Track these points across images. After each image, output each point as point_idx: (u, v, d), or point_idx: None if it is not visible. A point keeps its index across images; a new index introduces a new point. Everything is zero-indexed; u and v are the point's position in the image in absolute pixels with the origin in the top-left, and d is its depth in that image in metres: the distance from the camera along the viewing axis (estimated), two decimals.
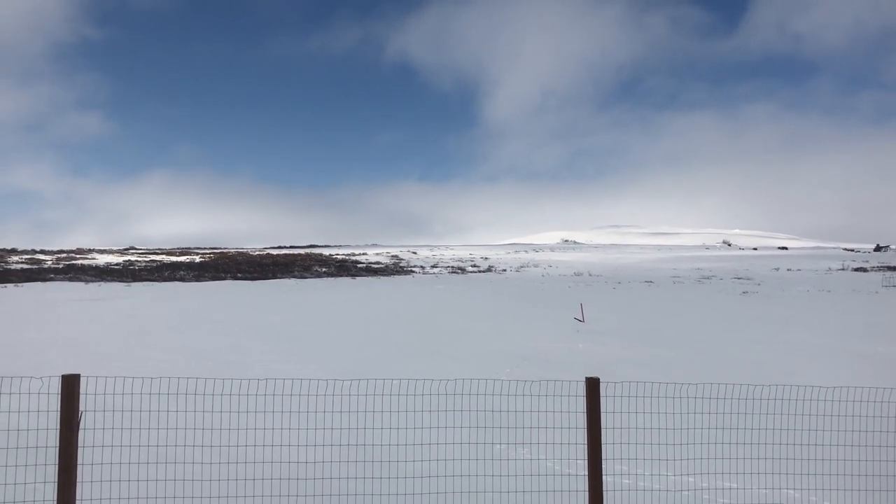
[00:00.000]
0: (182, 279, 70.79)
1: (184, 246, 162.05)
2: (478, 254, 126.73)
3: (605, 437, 6.46)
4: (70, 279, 65.45)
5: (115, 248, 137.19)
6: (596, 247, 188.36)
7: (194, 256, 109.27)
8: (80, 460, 5.94)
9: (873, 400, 8.19)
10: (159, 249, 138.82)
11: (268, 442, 6.58)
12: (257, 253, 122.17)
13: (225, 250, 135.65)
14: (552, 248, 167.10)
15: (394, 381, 8.13)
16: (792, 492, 7.06)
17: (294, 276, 76.31)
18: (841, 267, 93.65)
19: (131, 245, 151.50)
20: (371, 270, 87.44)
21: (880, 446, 7.19)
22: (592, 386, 4.77)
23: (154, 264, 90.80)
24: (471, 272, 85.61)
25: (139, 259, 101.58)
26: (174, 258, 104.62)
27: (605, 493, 4.90)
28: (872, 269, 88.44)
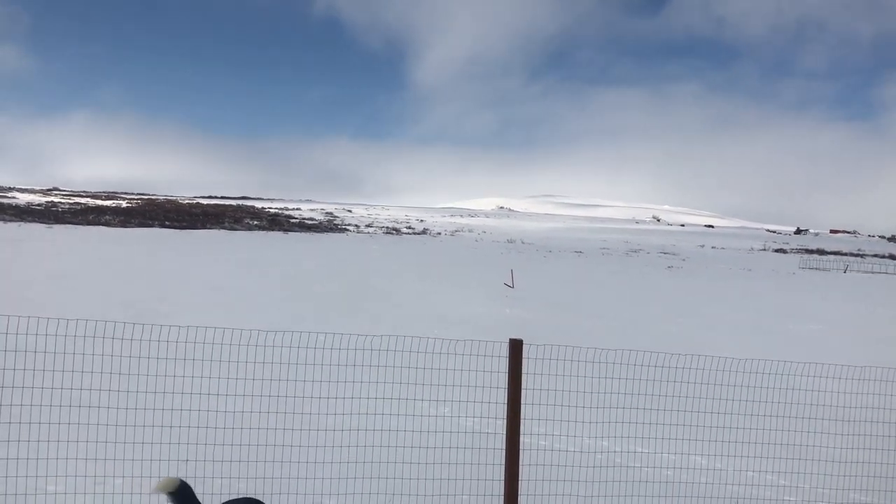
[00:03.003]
0: (107, 224, 68.70)
1: (110, 190, 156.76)
2: (413, 216, 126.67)
3: (526, 398, 6.61)
4: None
5: (37, 188, 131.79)
6: (530, 215, 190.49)
7: (121, 201, 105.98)
8: None
9: (779, 373, 8.59)
10: (84, 192, 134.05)
11: (187, 390, 6.50)
12: (187, 202, 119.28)
13: (153, 197, 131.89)
14: (487, 215, 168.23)
15: (318, 335, 8.10)
16: (698, 457, 7.38)
17: (224, 228, 74.91)
18: (763, 247, 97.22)
19: (55, 186, 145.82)
20: (304, 226, 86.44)
21: (784, 417, 7.56)
22: (515, 347, 4.86)
23: (78, 207, 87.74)
24: (405, 234, 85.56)
25: (63, 201, 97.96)
26: (100, 202, 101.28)
27: (521, 451, 5.03)
28: (792, 251, 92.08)
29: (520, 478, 5.16)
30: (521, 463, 5.25)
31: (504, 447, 5.12)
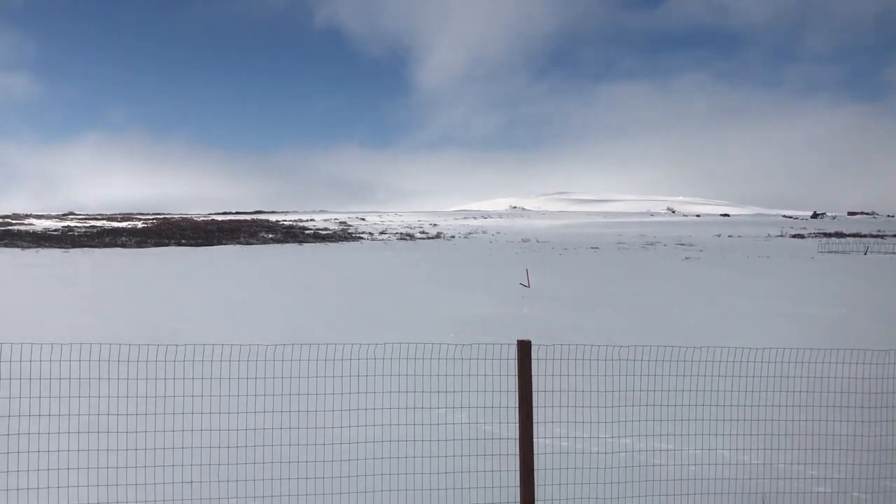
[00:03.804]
0: (124, 245, 69.15)
1: (125, 212, 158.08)
2: (426, 220, 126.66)
3: (544, 399, 6.48)
4: (5, 245, 63.35)
5: (53, 213, 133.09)
6: (543, 214, 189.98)
7: (136, 222, 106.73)
8: (4, 430, 5.74)
9: (803, 360, 8.41)
10: (100, 215, 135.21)
11: (205, 409, 6.43)
12: (202, 219, 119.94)
13: (168, 216, 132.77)
14: (500, 215, 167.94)
15: (336, 346, 8.03)
16: (725, 452, 7.22)
17: (240, 243, 75.19)
18: (780, 233, 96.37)
19: (70, 210, 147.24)
20: (319, 237, 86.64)
21: (811, 406, 7.39)
22: (524, 348, 4.75)
23: (94, 230, 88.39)
24: (419, 239, 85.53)
25: (78, 225, 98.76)
26: (115, 224, 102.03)
27: (536, 455, 4.91)
28: (809, 235, 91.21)
29: (536, 482, 5.04)
30: (538, 467, 5.13)
31: (517, 452, 5.00)
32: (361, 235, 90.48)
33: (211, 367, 6.58)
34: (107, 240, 74.72)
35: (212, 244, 71.91)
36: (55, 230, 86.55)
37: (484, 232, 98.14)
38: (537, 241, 77.14)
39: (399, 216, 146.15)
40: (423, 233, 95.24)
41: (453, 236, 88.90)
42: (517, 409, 4.83)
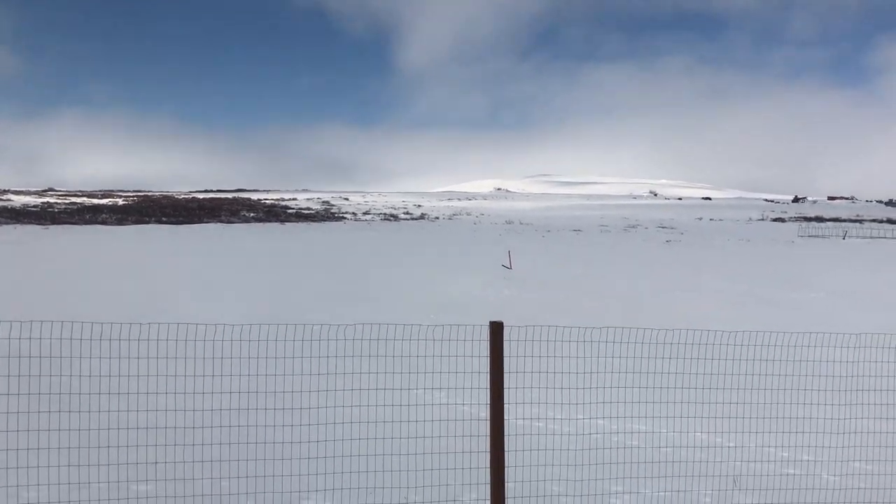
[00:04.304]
0: (104, 223, 68.46)
1: (105, 189, 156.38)
2: (410, 201, 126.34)
3: (520, 381, 6.50)
4: None
5: (32, 189, 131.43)
6: (527, 195, 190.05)
7: (117, 199, 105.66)
8: None
9: (779, 344, 8.47)
10: (80, 192, 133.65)
11: (179, 389, 6.39)
12: (183, 197, 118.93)
13: (149, 193, 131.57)
14: (484, 197, 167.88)
15: (314, 327, 8.00)
16: (699, 434, 7.29)
17: (221, 221, 74.68)
18: (761, 217, 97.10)
19: (50, 187, 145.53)
20: (301, 216, 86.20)
21: (785, 389, 7.46)
22: (496, 329, 4.74)
23: (74, 207, 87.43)
24: (403, 220, 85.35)
25: (58, 201, 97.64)
26: (95, 201, 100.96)
27: (512, 436, 4.92)
28: (790, 219, 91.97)
29: (508, 463, 5.06)
30: (513, 448, 5.16)
31: (489, 432, 5.01)
32: (344, 216, 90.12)
33: (185, 347, 6.52)
34: (87, 217, 73.94)
35: (192, 222, 71.34)
36: (34, 206, 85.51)
37: (468, 214, 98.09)
38: (521, 224, 77.22)
39: (383, 197, 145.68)
40: (407, 214, 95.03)
41: (437, 218, 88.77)
42: (488, 390, 4.83)
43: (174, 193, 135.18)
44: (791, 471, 6.67)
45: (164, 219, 75.22)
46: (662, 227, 71.35)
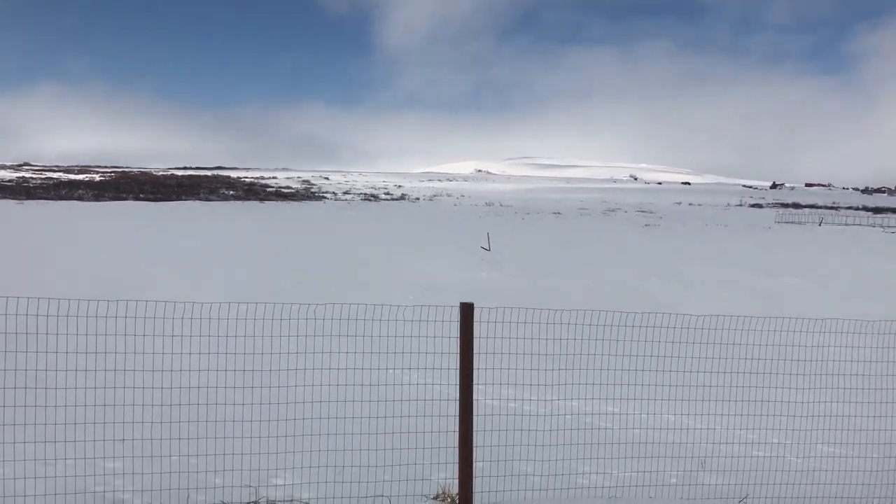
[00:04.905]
0: (81, 198, 67.58)
1: (82, 164, 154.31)
2: (391, 182, 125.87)
3: (491, 362, 6.52)
4: None
5: (7, 163, 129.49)
6: (508, 178, 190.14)
7: (94, 175, 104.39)
8: None
9: (751, 328, 8.58)
10: (56, 167, 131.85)
11: (158, 367, 6.35)
12: (161, 174, 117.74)
13: (127, 170, 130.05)
14: (465, 179, 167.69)
15: (291, 306, 7.95)
16: (669, 416, 7.37)
17: (200, 199, 74.02)
18: (739, 203, 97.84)
19: (25, 161, 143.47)
20: (281, 195, 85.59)
21: (754, 373, 7.54)
22: (466, 311, 4.75)
23: (50, 182, 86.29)
24: (384, 200, 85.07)
25: (34, 176, 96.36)
26: (72, 176, 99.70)
27: (483, 416, 4.95)
28: (768, 205, 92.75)
29: (476, 444, 5.09)
30: (484, 428, 5.18)
31: (457, 413, 5.04)
32: (325, 195, 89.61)
33: (162, 325, 6.46)
34: (63, 192, 72.93)
35: (170, 199, 70.65)
36: (9, 181, 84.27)
37: (448, 195, 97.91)
38: (501, 206, 77.23)
39: (364, 176, 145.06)
40: (387, 194, 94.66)
41: (418, 198, 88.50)
42: (458, 371, 4.85)
43: (152, 170, 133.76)
44: (758, 453, 6.78)
45: (141, 195, 74.40)
46: (642, 212, 71.71)
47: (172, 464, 5.60)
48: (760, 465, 6.42)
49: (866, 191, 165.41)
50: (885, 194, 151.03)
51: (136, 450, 5.67)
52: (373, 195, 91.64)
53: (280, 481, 5.68)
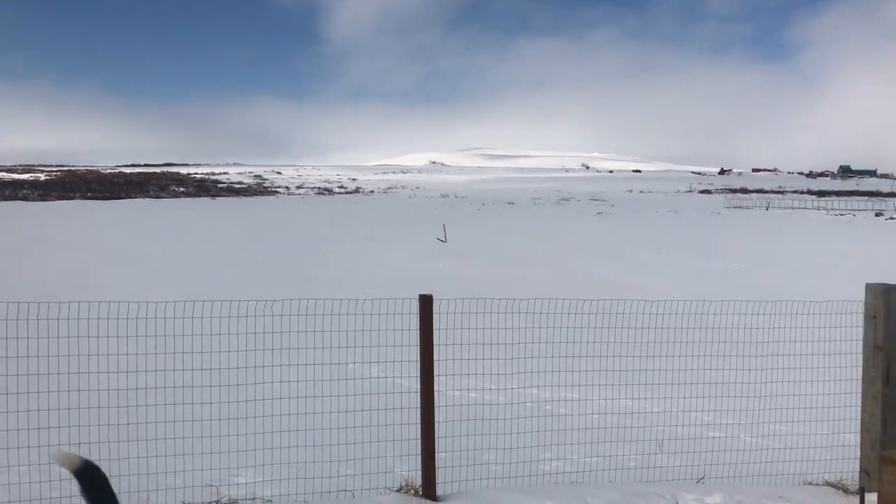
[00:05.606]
0: (25, 198, 65.81)
1: (26, 163, 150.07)
2: (345, 175, 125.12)
3: (451, 353, 6.55)
4: None
5: None
6: (462, 169, 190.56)
7: (39, 174, 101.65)
8: None
9: (701, 312, 8.75)
10: None
11: (113, 368, 6.23)
12: (109, 171, 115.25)
13: (73, 168, 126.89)
14: (420, 171, 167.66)
15: (247, 303, 7.86)
16: (626, 401, 7.51)
17: (150, 196, 72.68)
18: (689, 189, 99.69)
19: None
20: (233, 191, 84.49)
21: (707, 356, 7.72)
22: (426, 303, 4.77)
23: None
24: (338, 193, 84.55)
25: None
26: (16, 176, 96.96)
27: (444, 407, 4.99)
28: (717, 191, 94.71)
29: (438, 434, 5.12)
30: (445, 419, 5.21)
31: (419, 405, 5.06)
32: (278, 190, 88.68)
33: (115, 326, 6.34)
34: (6, 192, 70.91)
35: (119, 198, 69.22)
36: None
37: (403, 187, 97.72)
38: (456, 197, 77.40)
39: (317, 170, 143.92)
40: (341, 188, 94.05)
41: (373, 191, 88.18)
42: (418, 363, 4.87)
43: (99, 167, 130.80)
44: (713, 434, 6.94)
45: (89, 194, 72.72)
46: (594, 200, 72.58)
47: (131, 466, 5.52)
48: (716, 445, 6.57)
49: (810, 175, 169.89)
50: (829, 178, 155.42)
51: (91, 453, 5.56)
52: (327, 189, 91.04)
53: (242, 480, 5.65)
